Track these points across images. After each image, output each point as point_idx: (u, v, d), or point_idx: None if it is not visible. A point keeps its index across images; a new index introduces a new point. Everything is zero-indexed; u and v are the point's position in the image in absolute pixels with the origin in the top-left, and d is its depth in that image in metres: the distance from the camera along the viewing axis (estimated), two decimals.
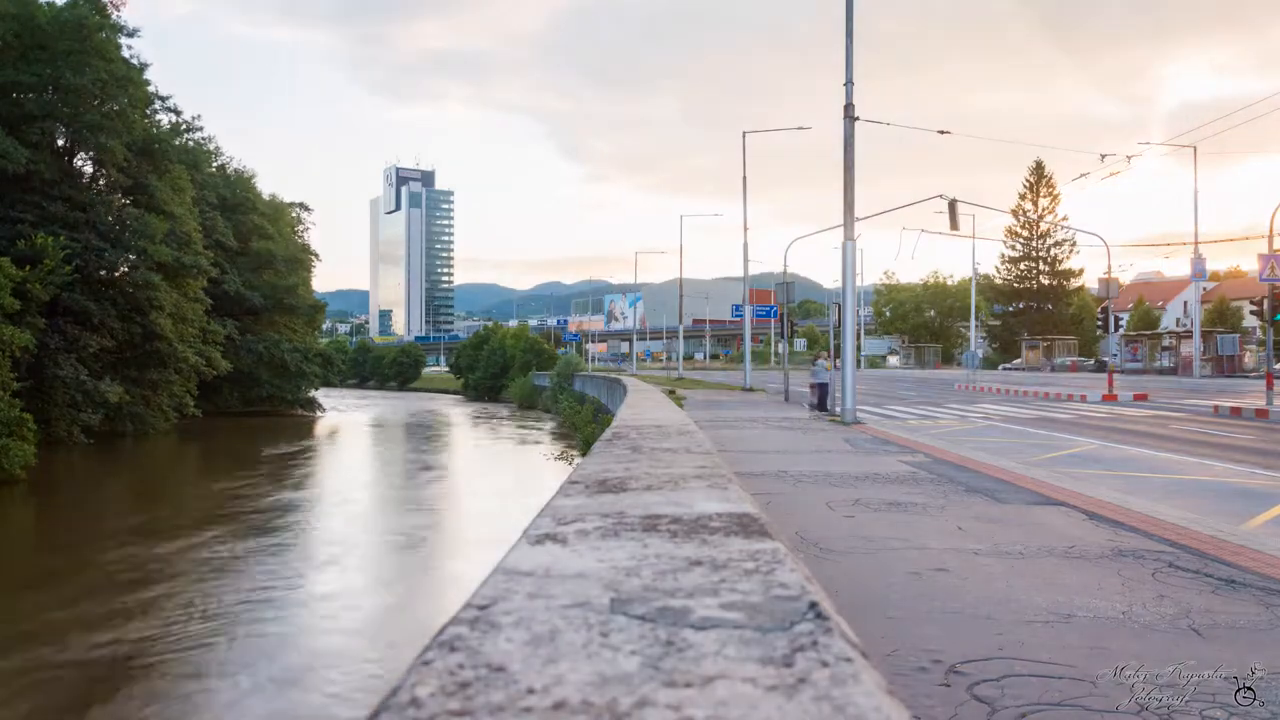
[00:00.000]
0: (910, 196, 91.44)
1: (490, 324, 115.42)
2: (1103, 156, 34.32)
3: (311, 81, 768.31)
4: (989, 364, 66.21)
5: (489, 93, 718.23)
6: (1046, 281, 73.26)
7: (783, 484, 9.12)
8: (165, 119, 43.42)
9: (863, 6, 16.80)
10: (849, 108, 17.19)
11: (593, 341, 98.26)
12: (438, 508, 22.90)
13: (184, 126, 45.81)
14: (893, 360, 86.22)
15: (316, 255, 59.92)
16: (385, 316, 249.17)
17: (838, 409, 18.39)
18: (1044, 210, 72.25)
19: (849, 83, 17.11)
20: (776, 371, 36.35)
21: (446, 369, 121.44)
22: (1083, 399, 27.23)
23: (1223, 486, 10.18)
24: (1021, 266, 74.12)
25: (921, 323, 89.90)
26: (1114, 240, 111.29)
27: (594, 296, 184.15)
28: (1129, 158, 34.16)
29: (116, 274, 36.52)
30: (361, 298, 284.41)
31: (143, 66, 38.70)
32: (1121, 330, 59.74)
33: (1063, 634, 4.25)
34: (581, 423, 32.36)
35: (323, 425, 48.88)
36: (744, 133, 34.85)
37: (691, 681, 1.03)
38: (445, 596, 12.72)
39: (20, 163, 32.27)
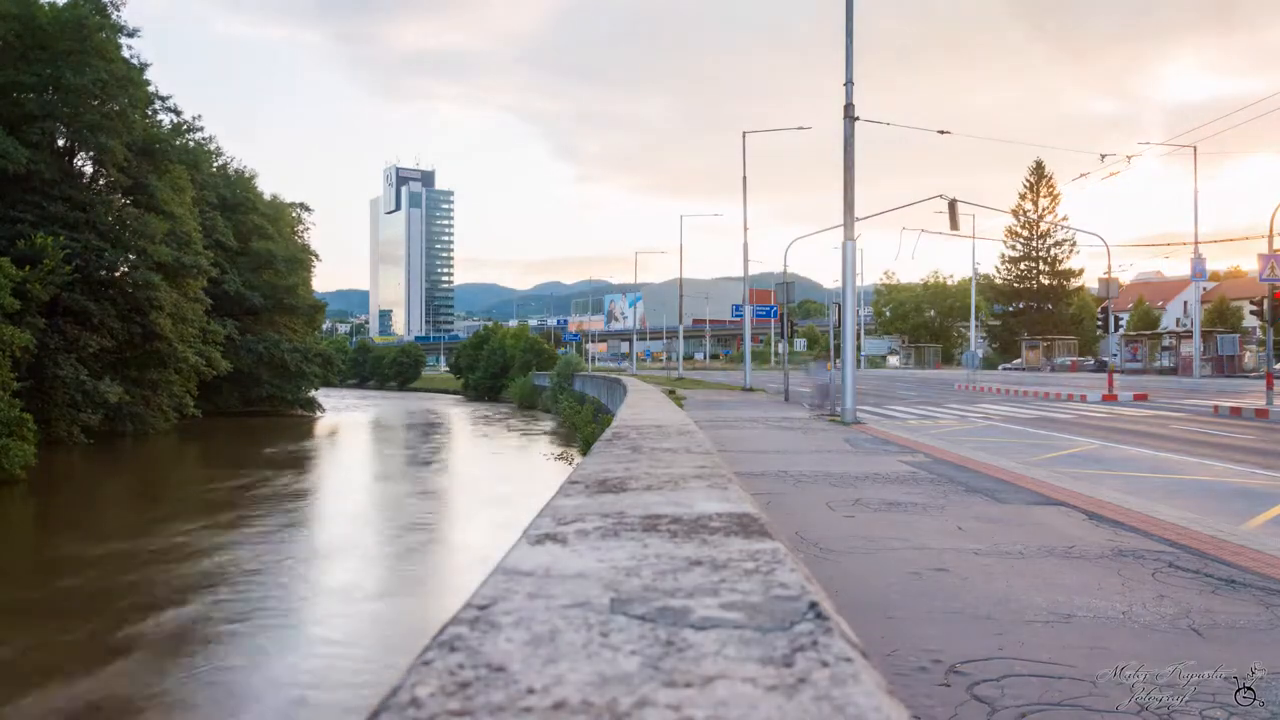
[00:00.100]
0: (910, 196, 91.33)
1: (490, 324, 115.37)
2: (1103, 156, 34.31)
3: (312, 81, 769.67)
4: (989, 364, 66.21)
5: (489, 93, 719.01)
6: (1046, 281, 73.28)
7: (783, 484, 9.11)
8: (165, 119, 43.47)
9: (863, 6, 16.80)
10: (849, 108, 17.19)
11: (593, 341, 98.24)
12: (437, 507, 22.91)
13: (184, 126, 45.83)
14: (893, 360, 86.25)
15: (316, 255, 60.00)
16: (385, 316, 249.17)
17: (838, 409, 18.39)
18: (1044, 210, 72.28)
19: (849, 83, 17.10)
20: (776, 371, 36.36)
21: (446, 369, 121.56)
22: (1083, 399, 27.23)
23: (1223, 486, 10.18)
24: (1021, 266, 74.14)
25: (921, 323, 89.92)
26: (1114, 240, 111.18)
27: (594, 296, 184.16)
28: (1129, 158, 34.16)
29: (116, 274, 36.53)
30: (361, 298, 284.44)
31: (143, 66, 38.78)
32: (1121, 330, 59.75)
33: (1063, 634, 4.25)
34: (581, 423, 32.37)
35: (322, 425, 48.89)
36: (744, 133, 34.91)
37: (691, 681, 1.03)
38: (445, 596, 12.72)
39: (20, 163, 32.28)
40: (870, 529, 6.80)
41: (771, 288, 33.00)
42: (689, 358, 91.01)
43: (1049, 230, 72.15)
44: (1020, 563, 5.70)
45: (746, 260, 36.05)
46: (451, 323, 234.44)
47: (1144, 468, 11.74)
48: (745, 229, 35.13)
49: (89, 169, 38.90)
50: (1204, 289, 58.14)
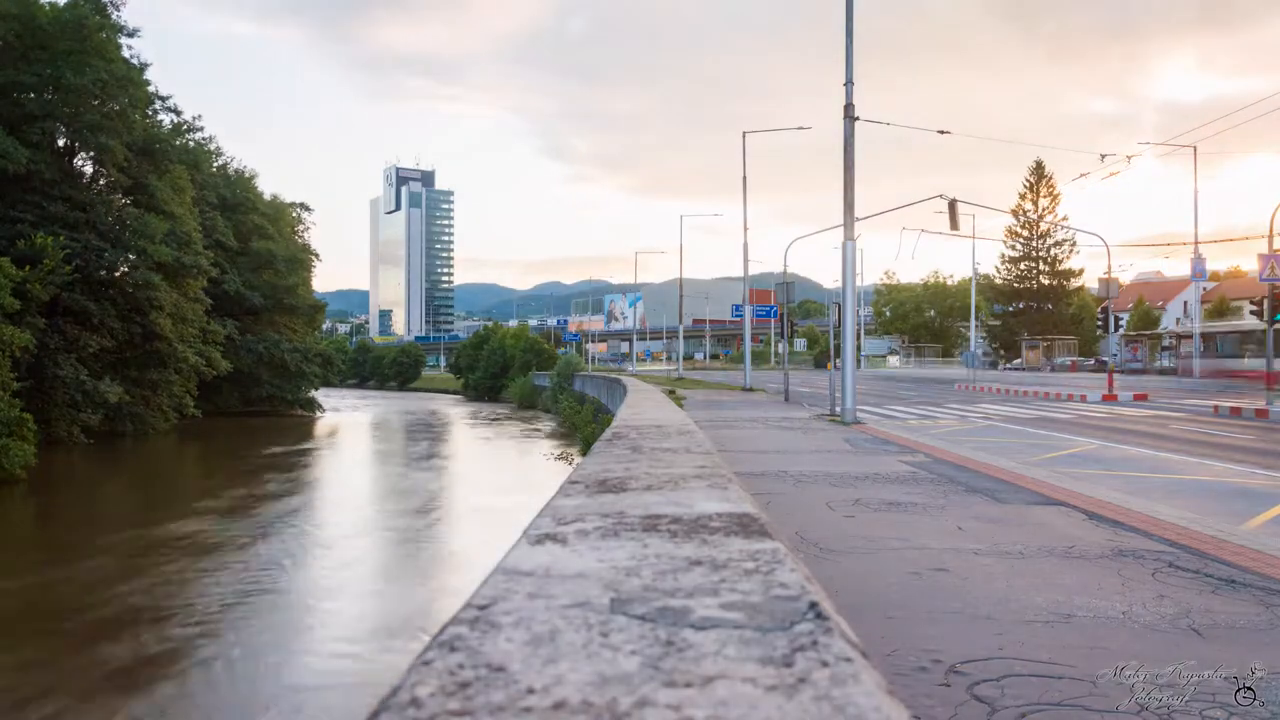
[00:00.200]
0: (910, 196, 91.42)
1: (490, 324, 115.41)
2: (1102, 156, 34.36)
3: (312, 82, 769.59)
4: (988, 364, 66.24)
5: (489, 93, 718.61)
6: (1046, 281, 73.22)
7: (783, 484, 9.12)
8: (166, 119, 43.50)
9: (862, 7, 16.79)
10: (849, 108, 17.19)
11: (593, 341, 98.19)
12: (437, 507, 22.91)
13: (184, 126, 45.88)
14: (893, 360, 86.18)
15: (317, 255, 59.98)
16: (385, 316, 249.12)
17: (838, 409, 18.39)
18: (1044, 210, 72.22)
19: (849, 83, 17.11)
20: (776, 371, 36.36)
21: (446, 369, 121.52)
22: (1083, 399, 27.23)
23: (1223, 486, 10.18)
24: (1021, 266, 74.08)
25: (921, 323, 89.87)
26: (1114, 240, 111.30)
27: (594, 296, 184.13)
28: (1129, 158, 34.20)
29: (116, 274, 36.53)
30: (361, 298, 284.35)
31: (143, 66, 38.77)
32: (1121, 330, 59.73)
33: (1063, 634, 4.25)
34: (581, 423, 32.37)
35: (322, 425, 48.89)
36: (744, 133, 34.94)
37: (691, 681, 1.03)
38: (444, 596, 12.72)
39: (20, 163, 32.28)
40: (870, 529, 6.81)
41: (771, 288, 33.00)
42: (689, 358, 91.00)
43: (1049, 230, 72.09)
44: (1020, 563, 5.70)
45: (746, 260, 36.07)
46: (451, 323, 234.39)
47: (1144, 468, 11.74)
48: (745, 229, 35.21)
49: (89, 169, 38.95)
50: (1204, 289, 58.12)
